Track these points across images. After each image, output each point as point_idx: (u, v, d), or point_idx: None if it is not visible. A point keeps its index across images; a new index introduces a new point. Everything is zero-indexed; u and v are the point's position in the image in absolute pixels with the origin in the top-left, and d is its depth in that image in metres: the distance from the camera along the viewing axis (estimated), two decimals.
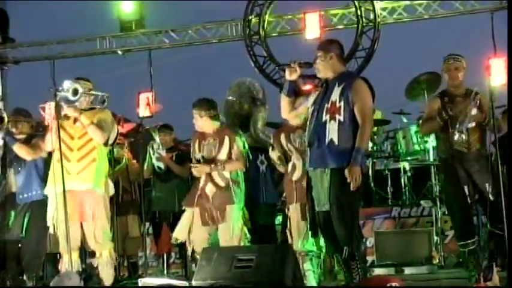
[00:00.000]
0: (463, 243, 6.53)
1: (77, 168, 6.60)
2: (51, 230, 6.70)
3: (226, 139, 6.91)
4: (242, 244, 6.72)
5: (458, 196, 6.49)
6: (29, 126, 7.43)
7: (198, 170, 6.88)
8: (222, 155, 6.88)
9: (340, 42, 5.98)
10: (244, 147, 6.96)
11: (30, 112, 7.47)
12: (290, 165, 6.69)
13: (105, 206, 6.71)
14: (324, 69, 5.79)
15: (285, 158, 6.85)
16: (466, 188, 6.44)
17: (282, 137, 6.77)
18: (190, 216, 6.91)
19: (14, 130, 7.28)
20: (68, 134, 6.68)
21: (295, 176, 6.60)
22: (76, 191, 6.57)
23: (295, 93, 6.02)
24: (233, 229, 6.77)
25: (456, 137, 6.42)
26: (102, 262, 6.70)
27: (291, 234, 6.65)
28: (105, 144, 6.72)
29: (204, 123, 6.95)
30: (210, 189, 6.85)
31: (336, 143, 5.58)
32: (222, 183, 6.85)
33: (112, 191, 6.93)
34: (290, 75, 5.90)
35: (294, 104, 6.05)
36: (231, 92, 8.03)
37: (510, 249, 5.96)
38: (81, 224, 6.64)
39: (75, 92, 6.50)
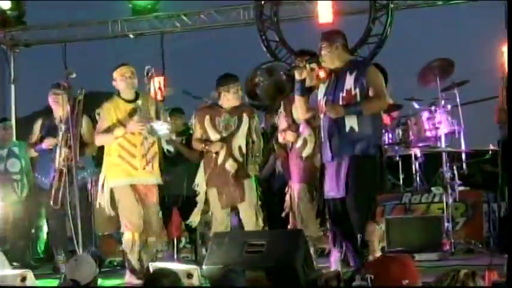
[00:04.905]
0: None
1: (143, 163, 6.83)
2: (107, 211, 6.92)
3: (245, 116, 6.91)
4: (260, 220, 6.75)
5: None
6: None
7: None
8: (242, 132, 6.86)
9: (342, 32, 6.02)
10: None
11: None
12: (300, 140, 6.60)
13: None
14: (331, 59, 5.83)
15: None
16: None
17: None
18: (203, 197, 6.94)
19: None
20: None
21: (305, 152, 6.56)
22: (142, 185, 6.86)
23: (307, 90, 6.04)
24: (251, 203, 6.83)
25: None
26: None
27: (293, 215, 6.64)
28: None
29: (238, 98, 6.94)
30: (230, 164, 6.84)
31: (357, 130, 5.60)
32: (240, 158, 6.85)
33: None
34: (300, 75, 5.91)
35: (308, 102, 6.05)
36: None
37: (510, 248, 5.91)
38: None
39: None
